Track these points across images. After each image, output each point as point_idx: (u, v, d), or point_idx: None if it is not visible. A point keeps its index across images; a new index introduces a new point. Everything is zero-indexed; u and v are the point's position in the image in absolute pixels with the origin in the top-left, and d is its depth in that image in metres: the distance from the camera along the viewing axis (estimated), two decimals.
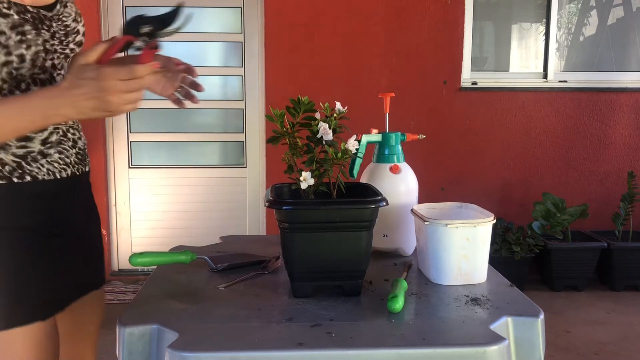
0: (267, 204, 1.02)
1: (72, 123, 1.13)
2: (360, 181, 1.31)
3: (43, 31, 1.03)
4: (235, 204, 3.86)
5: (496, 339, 0.87)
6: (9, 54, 0.97)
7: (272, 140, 1.08)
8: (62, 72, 1.09)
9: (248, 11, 3.74)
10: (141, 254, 1.15)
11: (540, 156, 3.95)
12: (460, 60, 3.84)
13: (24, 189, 1.00)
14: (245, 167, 3.85)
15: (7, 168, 0.98)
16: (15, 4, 0.98)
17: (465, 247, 1.10)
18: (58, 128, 1.08)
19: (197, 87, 1.17)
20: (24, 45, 0.99)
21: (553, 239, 3.66)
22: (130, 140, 3.79)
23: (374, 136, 1.34)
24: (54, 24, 1.06)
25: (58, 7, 1.08)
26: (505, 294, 1.07)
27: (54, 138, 1.06)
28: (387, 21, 3.78)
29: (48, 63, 1.05)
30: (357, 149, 1.08)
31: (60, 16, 1.08)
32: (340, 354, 0.84)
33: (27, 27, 1.00)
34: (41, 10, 1.03)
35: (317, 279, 1.05)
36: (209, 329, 0.90)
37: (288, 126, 1.07)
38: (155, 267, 1.24)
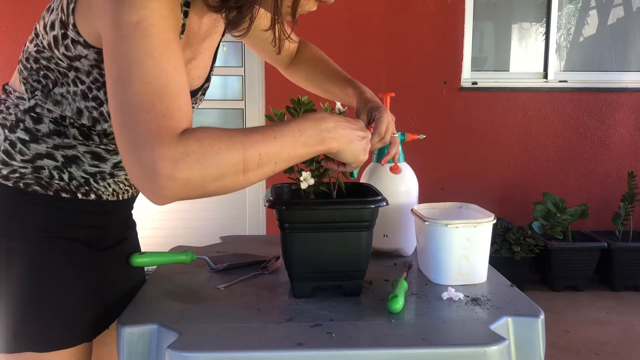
0: (267, 204, 1.02)
1: None
2: (360, 181, 1.31)
3: None
4: (235, 203, 3.86)
5: (496, 339, 0.87)
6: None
7: None
8: None
9: None
10: (141, 254, 1.15)
11: (540, 156, 3.94)
12: (460, 60, 3.84)
13: (86, 206, 0.98)
14: None
15: (74, 183, 0.96)
16: None
17: (465, 247, 1.10)
18: None
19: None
20: None
21: (553, 239, 3.66)
22: None
23: None
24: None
25: (199, 94, 1.07)
26: (505, 294, 1.07)
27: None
28: (387, 21, 3.78)
29: None
30: None
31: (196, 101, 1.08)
32: (340, 354, 0.84)
33: None
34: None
35: (317, 279, 1.05)
36: (209, 329, 0.90)
37: None
38: (155, 267, 1.24)
